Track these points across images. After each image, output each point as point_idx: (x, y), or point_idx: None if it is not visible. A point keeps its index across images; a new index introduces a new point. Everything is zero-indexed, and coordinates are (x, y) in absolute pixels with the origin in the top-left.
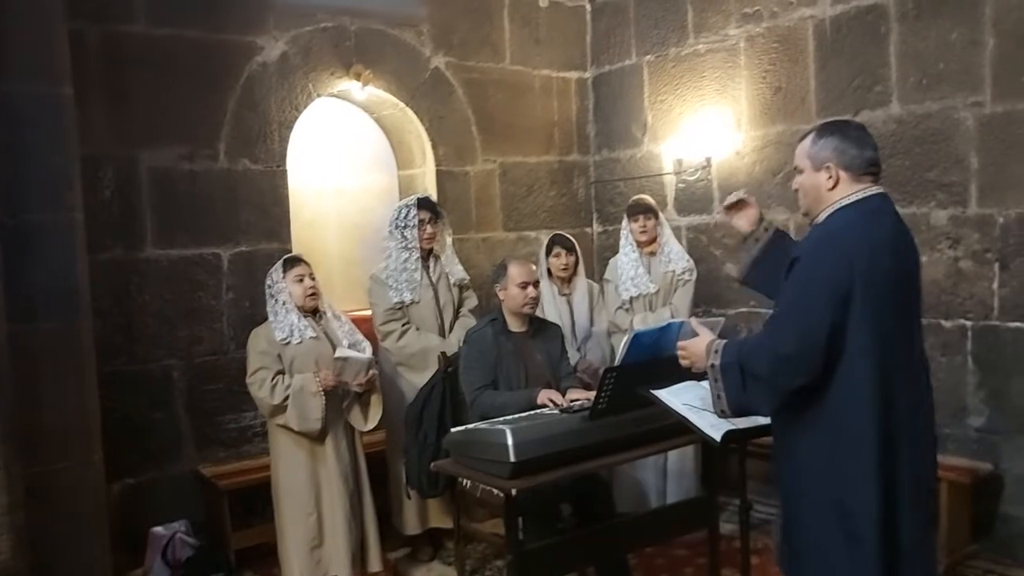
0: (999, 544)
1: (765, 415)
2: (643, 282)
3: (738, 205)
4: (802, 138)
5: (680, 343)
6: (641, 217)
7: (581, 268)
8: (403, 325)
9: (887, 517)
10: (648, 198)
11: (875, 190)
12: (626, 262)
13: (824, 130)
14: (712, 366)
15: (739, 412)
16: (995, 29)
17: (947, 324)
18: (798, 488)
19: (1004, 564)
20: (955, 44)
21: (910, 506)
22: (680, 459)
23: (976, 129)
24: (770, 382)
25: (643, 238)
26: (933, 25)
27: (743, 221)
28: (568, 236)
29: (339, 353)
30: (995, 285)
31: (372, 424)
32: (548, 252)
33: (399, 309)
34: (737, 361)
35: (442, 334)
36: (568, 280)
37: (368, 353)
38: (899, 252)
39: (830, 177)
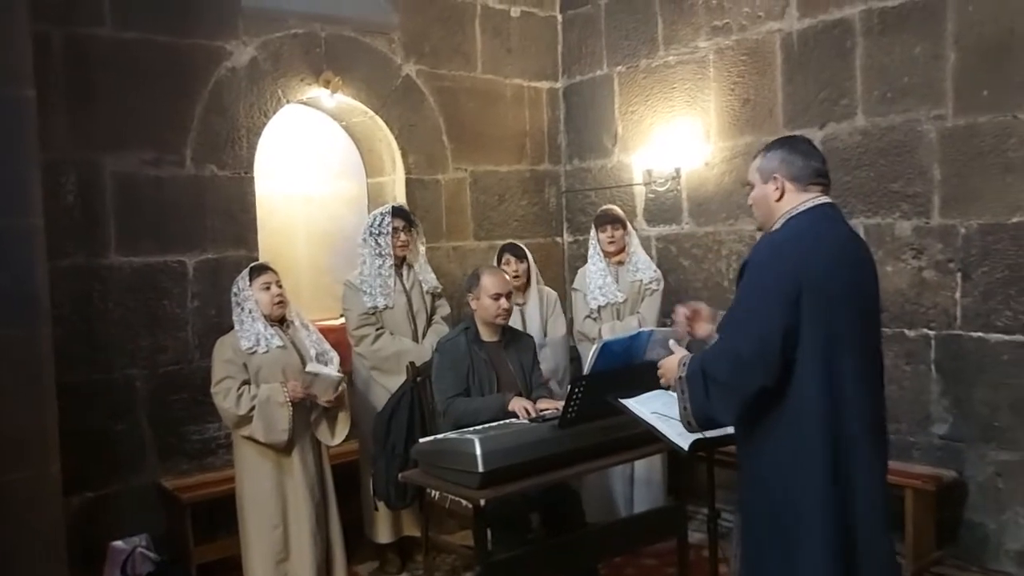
0: (964, 550)
1: (728, 423)
2: (611, 291)
3: (696, 315)
4: (754, 156)
5: (660, 362)
6: (609, 227)
7: (534, 277)
8: (377, 330)
9: (840, 523)
10: (616, 208)
11: (823, 199)
12: (594, 271)
13: (772, 145)
14: (679, 378)
15: (704, 422)
16: (956, 44)
17: (911, 333)
18: (756, 495)
19: (969, 570)
20: (918, 58)
21: (867, 510)
22: (647, 468)
23: (938, 142)
24: (730, 385)
25: (611, 248)
26: (897, 40)
27: (701, 330)
28: (519, 244)
29: (310, 368)
30: (958, 295)
31: (339, 440)
32: (498, 261)
33: (372, 314)
34: (700, 369)
35: (415, 340)
36: (522, 289)
37: (336, 364)
38: (849, 259)
39: (777, 188)
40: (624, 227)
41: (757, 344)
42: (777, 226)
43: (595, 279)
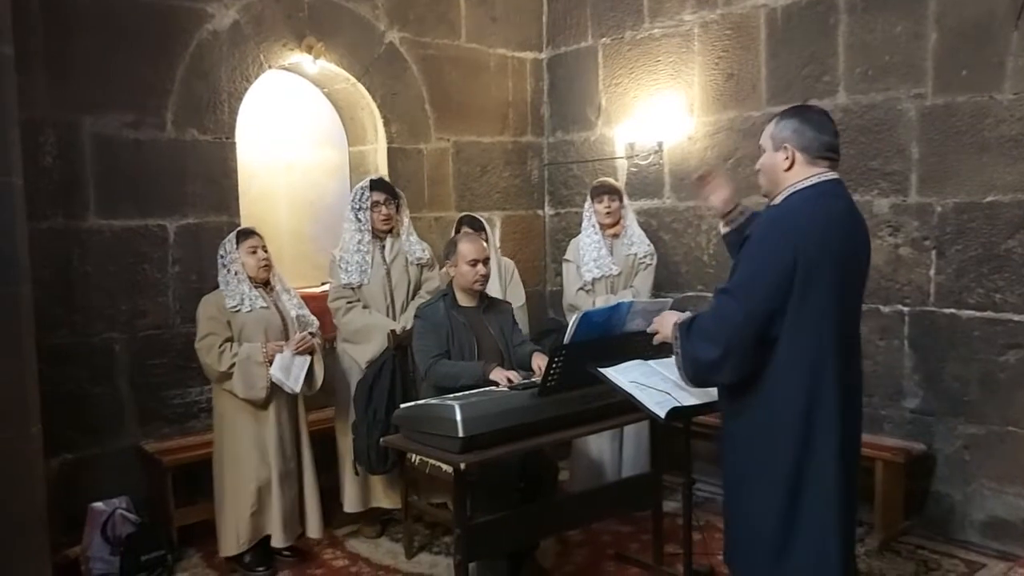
0: (930, 521)
1: (710, 362)
2: (606, 264)
3: (706, 179)
4: (769, 121)
5: (655, 319)
6: (606, 198)
7: (492, 247)
8: (349, 303)
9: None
10: (613, 180)
11: (830, 175)
12: (589, 243)
13: (787, 113)
14: (676, 324)
15: (693, 370)
16: (938, 24)
17: (885, 309)
18: (736, 471)
19: (935, 540)
20: (900, 37)
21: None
22: (636, 436)
23: (918, 120)
24: (711, 334)
25: (607, 220)
26: (879, 18)
27: (716, 199)
28: (476, 216)
29: (274, 377)
30: (932, 272)
31: (314, 390)
32: (456, 231)
33: (349, 288)
34: (692, 318)
35: (391, 315)
36: None
37: (315, 327)
38: (848, 236)
39: (787, 158)
40: (620, 199)
41: (742, 317)
42: (779, 200)
43: (590, 251)
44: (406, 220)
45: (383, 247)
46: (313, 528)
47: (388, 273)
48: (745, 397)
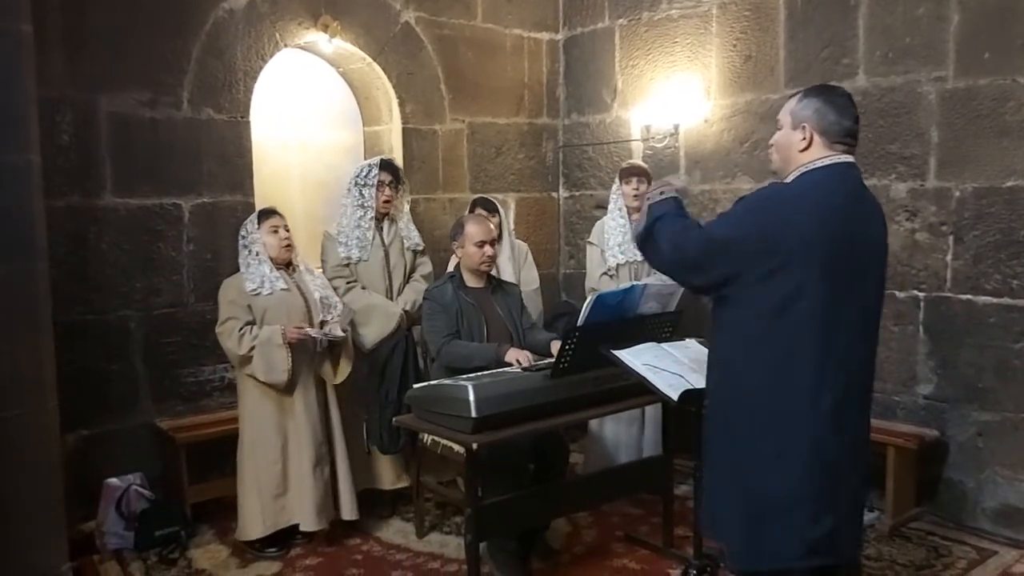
0: (942, 507)
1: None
2: (631, 249)
3: None
4: (791, 96)
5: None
6: (635, 180)
7: (506, 229)
8: (348, 283)
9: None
10: (642, 162)
11: (845, 158)
12: (614, 227)
13: (811, 91)
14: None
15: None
16: (960, 6)
17: (901, 295)
18: (717, 457)
19: (946, 526)
20: (921, 19)
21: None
22: (656, 417)
23: (938, 104)
24: (669, 242)
25: (636, 203)
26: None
27: None
28: (490, 198)
29: (314, 333)
30: (949, 257)
31: (340, 379)
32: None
33: (346, 266)
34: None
35: (389, 296)
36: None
37: (340, 309)
38: (855, 222)
39: (804, 138)
40: (649, 182)
41: (703, 245)
42: (789, 179)
43: (615, 235)
44: (405, 207)
45: (381, 229)
46: (348, 511)
47: (387, 255)
48: (716, 373)
